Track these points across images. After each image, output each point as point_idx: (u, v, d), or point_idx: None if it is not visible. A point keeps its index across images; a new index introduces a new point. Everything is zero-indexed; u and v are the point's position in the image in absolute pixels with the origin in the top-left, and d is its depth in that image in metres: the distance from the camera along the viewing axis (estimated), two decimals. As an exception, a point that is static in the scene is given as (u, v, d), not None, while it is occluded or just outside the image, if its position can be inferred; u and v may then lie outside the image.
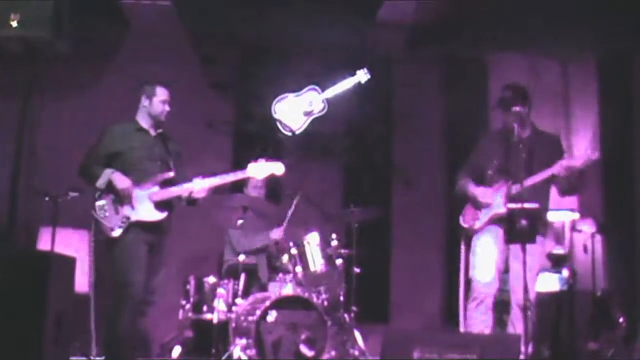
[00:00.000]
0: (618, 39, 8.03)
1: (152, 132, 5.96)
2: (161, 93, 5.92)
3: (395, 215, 8.64)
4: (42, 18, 5.51)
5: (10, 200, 5.02)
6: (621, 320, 6.99)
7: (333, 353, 6.36)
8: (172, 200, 5.89)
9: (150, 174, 5.81)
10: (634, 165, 8.02)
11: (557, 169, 5.63)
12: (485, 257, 5.85)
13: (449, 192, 7.38)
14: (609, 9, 7.29)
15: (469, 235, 6.01)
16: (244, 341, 6.16)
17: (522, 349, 5.02)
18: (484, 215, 5.88)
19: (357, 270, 7.03)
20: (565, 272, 7.34)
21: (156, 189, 5.80)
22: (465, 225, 6.00)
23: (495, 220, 5.84)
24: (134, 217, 5.69)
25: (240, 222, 6.63)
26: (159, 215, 5.78)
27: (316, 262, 6.86)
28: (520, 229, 5.35)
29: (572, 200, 8.27)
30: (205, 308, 6.59)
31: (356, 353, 6.70)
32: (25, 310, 4.54)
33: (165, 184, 5.84)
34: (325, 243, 6.99)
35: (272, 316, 6.16)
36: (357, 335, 6.83)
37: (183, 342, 6.61)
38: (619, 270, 7.97)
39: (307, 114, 6.98)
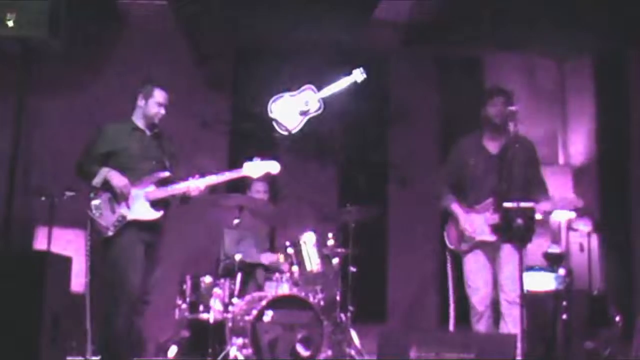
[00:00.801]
0: (614, 37, 8.03)
1: (148, 132, 5.95)
2: (158, 95, 5.90)
3: (391, 214, 8.65)
4: (38, 18, 5.50)
5: (7, 199, 5.01)
6: (617, 319, 6.99)
7: (329, 353, 6.36)
8: (168, 199, 5.89)
9: (145, 173, 5.79)
10: (629, 164, 8.02)
11: (539, 212, 5.67)
12: (476, 275, 5.90)
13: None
14: (604, 8, 7.29)
15: (454, 253, 6.06)
16: (240, 341, 6.17)
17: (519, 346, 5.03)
18: (469, 241, 5.91)
19: (353, 269, 7.02)
20: (561, 271, 7.34)
21: (152, 187, 5.79)
22: (451, 247, 6.05)
23: (481, 245, 5.87)
24: (130, 216, 5.68)
25: (236, 221, 6.62)
26: (155, 214, 5.76)
27: (312, 262, 6.86)
28: (516, 228, 5.35)
29: (569, 199, 8.29)
30: (201, 308, 6.59)
31: (352, 353, 6.70)
32: (21, 310, 4.53)
33: (162, 183, 5.83)
34: (321, 242, 6.98)
35: (268, 316, 6.17)
36: (354, 334, 6.83)
37: (179, 342, 6.62)
38: (615, 269, 7.98)
39: (303, 113, 6.94)
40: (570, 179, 8.46)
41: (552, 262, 7.70)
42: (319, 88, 7.12)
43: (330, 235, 7.08)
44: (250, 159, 6.08)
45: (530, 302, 5.87)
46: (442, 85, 8.91)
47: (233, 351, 6.15)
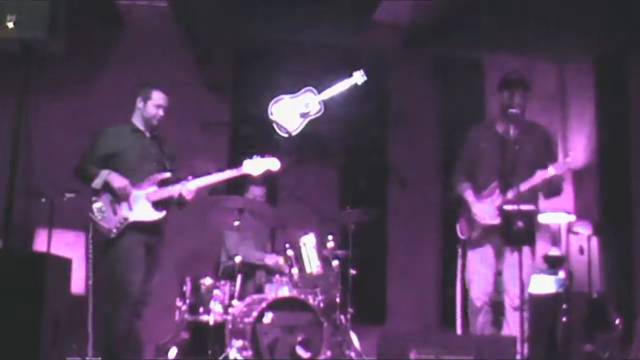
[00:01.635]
0: (614, 39, 8.03)
1: (148, 134, 5.95)
2: (157, 97, 5.90)
3: (391, 216, 8.65)
4: (38, 19, 5.48)
5: (6, 201, 5.01)
6: (617, 322, 6.99)
7: (329, 354, 6.35)
8: (170, 200, 5.89)
9: (146, 174, 5.81)
10: (630, 166, 8.01)
11: (537, 180, 5.65)
12: (480, 271, 5.88)
13: (444, 193, 7.39)
14: (605, 10, 7.29)
15: (466, 246, 6.03)
16: (240, 342, 6.17)
17: (518, 349, 5.03)
18: (479, 227, 5.88)
19: (353, 271, 7.03)
20: (561, 274, 7.35)
21: (154, 188, 5.80)
22: (463, 237, 6.02)
23: (490, 231, 5.84)
24: (132, 217, 5.69)
25: (236, 223, 6.62)
26: (157, 215, 5.77)
27: (312, 264, 6.86)
28: (517, 231, 5.36)
29: (568, 202, 8.30)
30: (201, 309, 6.58)
31: (352, 354, 6.70)
32: (21, 312, 4.53)
33: (163, 183, 5.84)
34: (321, 244, 6.98)
35: (268, 318, 6.16)
36: (353, 336, 6.83)
37: (179, 344, 6.60)
38: (615, 272, 7.97)
39: (304, 115, 6.97)
40: (571, 182, 8.45)
41: (552, 264, 7.72)
42: (320, 90, 7.14)
43: (330, 237, 7.08)
44: (250, 157, 6.10)
45: (530, 304, 5.86)
46: (443, 87, 8.91)
47: (233, 353, 6.15)
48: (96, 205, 5.71)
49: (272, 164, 6.11)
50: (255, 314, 6.14)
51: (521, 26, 7.73)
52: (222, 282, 6.66)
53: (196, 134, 8.18)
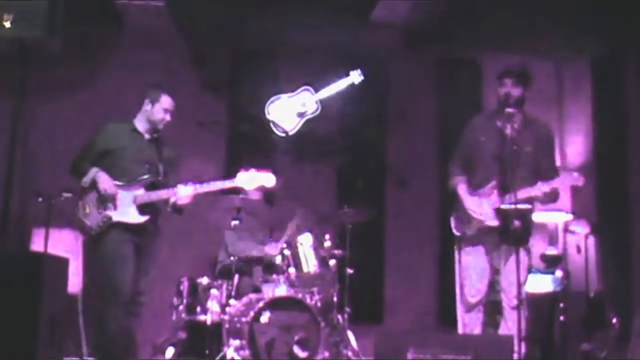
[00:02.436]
0: (611, 39, 8.03)
1: (147, 136, 5.94)
2: (165, 101, 5.89)
3: (388, 216, 8.64)
4: (35, 18, 5.48)
5: (3, 200, 5.00)
6: (614, 321, 7.00)
7: (326, 354, 6.36)
8: (158, 205, 5.87)
9: (135, 176, 5.79)
10: (627, 165, 8.02)
11: (536, 192, 5.63)
12: (474, 270, 5.85)
13: (442, 192, 7.38)
14: (602, 9, 7.29)
15: (460, 243, 6.00)
16: (237, 342, 6.16)
17: (516, 348, 5.03)
18: (473, 223, 5.84)
19: (350, 271, 7.02)
20: (558, 273, 7.36)
21: (141, 191, 5.78)
22: (458, 234, 5.97)
23: (487, 231, 5.80)
24: (116, 217, 5.68)
25: (234, 223, 6.62)
26: (140, 219, 5.74)
27: (309, 263, 6.87)
28: (514, 230, 5.35)
29: (566, 201, 8.30)
30: (198, 309, 6.57)
31: (349, 354, 6.70)
32: (18, 312, 4.52)
33: (152, 187, 5.82)
34: (318, 244, 6.99)
35: (265, 317, 6.16)
36: (351, 336, 6.83)
37: (176, 343, 6.60)
38: (612, 271, 7.97)
39: (301, 115, 6.96)
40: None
41: (550, 263, 7.72)
42: (317, 90, 7.13)
43: (327, 236, 7.07)
44: (247, 167, 6.05)
45: (528, 303, 5.85)
46: (441, 87, 8.90)
47: (230, 352, 6.14)
48: (82, 202, 5.72)
49: (267, 179, 6.06)
50: (252, 313, 6.13)
51: (519, 27, 7.74)
52: (220, 281, 6.66)
53: (193, 133, 8.16)
